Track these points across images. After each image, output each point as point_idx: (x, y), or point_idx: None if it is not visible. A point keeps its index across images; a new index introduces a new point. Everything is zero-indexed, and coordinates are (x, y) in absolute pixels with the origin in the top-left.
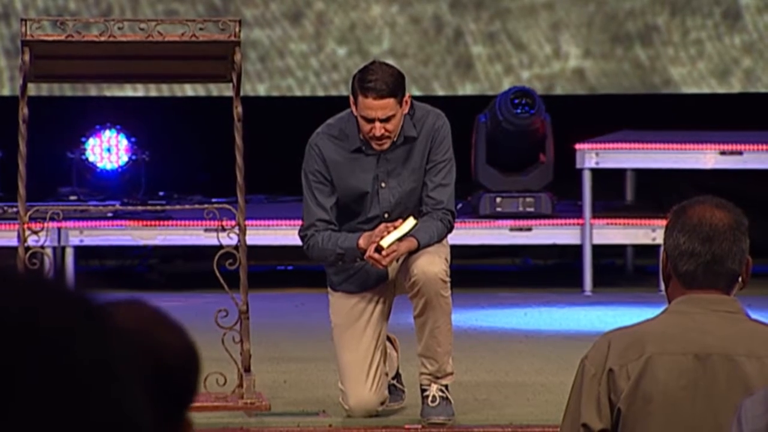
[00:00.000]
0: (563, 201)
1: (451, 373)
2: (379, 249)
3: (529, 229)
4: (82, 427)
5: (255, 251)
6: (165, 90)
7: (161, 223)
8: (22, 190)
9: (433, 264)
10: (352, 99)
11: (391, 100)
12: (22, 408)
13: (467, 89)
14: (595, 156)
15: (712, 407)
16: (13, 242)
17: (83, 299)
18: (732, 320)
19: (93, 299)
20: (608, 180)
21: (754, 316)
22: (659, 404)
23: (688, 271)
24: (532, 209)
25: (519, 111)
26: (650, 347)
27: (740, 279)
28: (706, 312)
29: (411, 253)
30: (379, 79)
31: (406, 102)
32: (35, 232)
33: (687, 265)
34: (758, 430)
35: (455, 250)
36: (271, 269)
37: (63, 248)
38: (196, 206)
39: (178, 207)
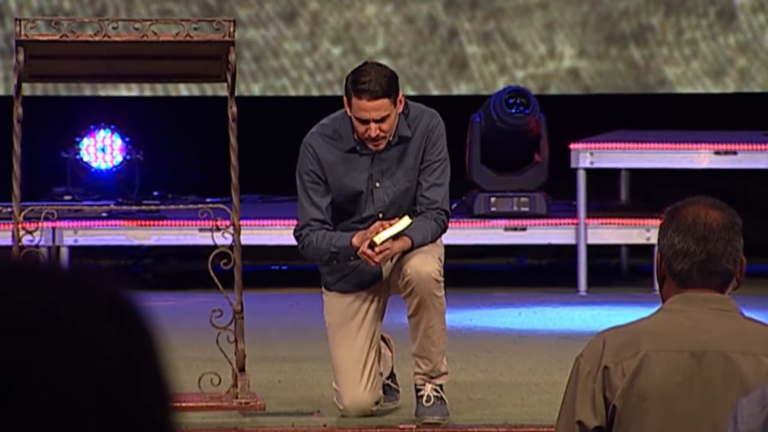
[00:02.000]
0: (558, 201)
1: (446, 373)
2: (372, 245)
3: (524, 229)
4: (106, 424)
5: (249, 251)
6: (159, 90)
7: (156, 222)
8: (16, 190)
9: (426, 264)
10: (345, 100)
11: (385, 101)
12: (45, 406)
13: (462, 89)
14: (589, 156)
15: (708, 404)
16: (8, 242)
17: (109, 295)
18: (727, 318)
19: (117, 294)
20: (603, 180)
21: (753, 316)
22: (654, 401)
23: (683, 271)
24: (526, 209)
25: (513, 111)
26: (646, 345)
27: (735, 279)
28: (701, 310)
29: (405, 252)
30: (372, 80)
31: (400, 101)
32: (30, 232)
33: (682, 265)
34: (754, 430)
35: (450, 249)
36: (265, 269)
37: (57, 248)
38: (191, 206)
39: (172, 207)
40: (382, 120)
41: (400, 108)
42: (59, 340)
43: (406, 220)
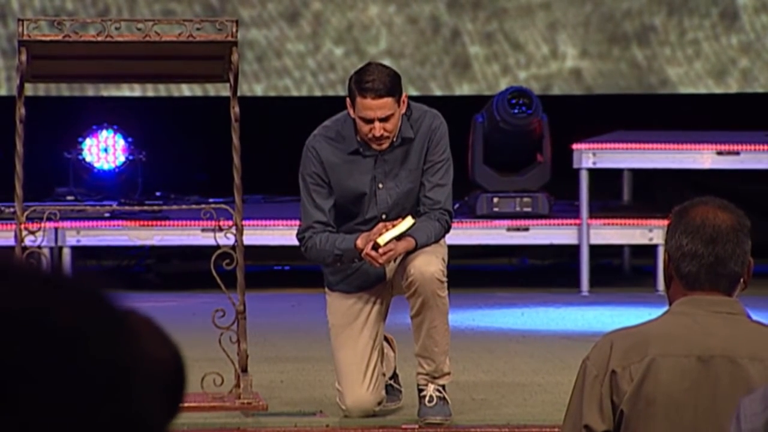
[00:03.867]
0: (560, 201)
1: (449, 373)
2: (376, 246)
3: (527, 229)
4: (94, 427)
5: (252, 251)
6: (162, 90)
7: (158, 223)
8: (19, 190)
9: (430, 264)
10: (349, 101)
11: (389, 100)
12: (35, 409)
13: (464, 89)
14: (592, 156)
15: (715, 409)
16: (10, 242)
17: (97, 298)
18: (734, 322)
19: (107, 297)
20: (605, 180)
21: (754, 317)
22: (662, 406)
23: (691, 273)
24: (529, 209)
25: (516, 111)
26: (653, 349)
27: (742, 280)
28: (708, 313)
29: (408, 253)
30: (376, 79)
31: (404, 101)
32: (32, 233)
33: (689, 267)
34: (756, 429)
35: (452, 250)
36: (268, 269)
37: (60, 248)
38: (193, 206)
39: (175, 207)
40: (386, 119)
41: (404, 108)
42: (45, 342)
43: (409, 221)
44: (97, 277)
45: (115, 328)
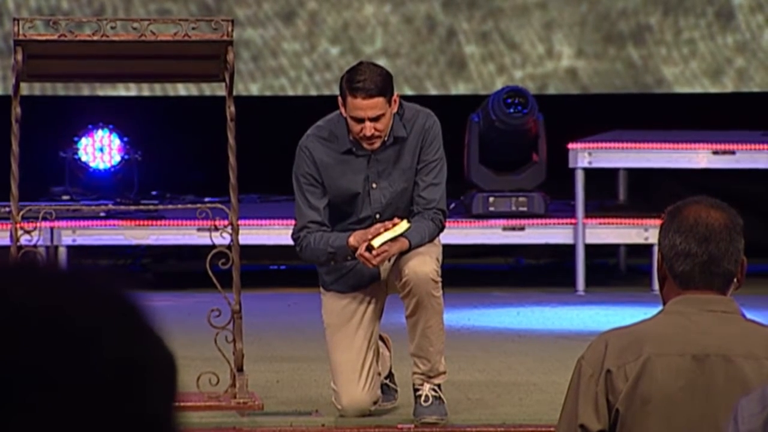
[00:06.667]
0: (556, 200)
1: (444, 373)
2: (369, 248)
3: (522, 229)
4: (107, 425)
5: (248, 251)
6: (158, 89)
7: (154, 222)
8: (14, 190)
9: (424, 264)
10: (340, 100)
11: (380, 99)
12: (51, 407)
13: (460, 89)
14: (587, 156)
15: (711, 408)
16: (6, 242)
17: (112, 295)
18: (729, 320)
19: (123, 295)
20: (601, 179)
21: (749, 316)
22: (657, 405)
23: (685, 272)
24: (524, 209)
25: (512, 110)
26: (648, 348)
27: (736, 279)
28: (702, 312)
29: (402, 252)
30: (367, 79)
31: (395, 101)
32: (28, 232)
33: (683, 266)
34: (754, 430)
35: (448, 249)
36: (263, 269)
37: (56, 248)
38: (189, 206)
39: (170, 207)
40: (377, 119)
41: (395, 108)
42: (60, 340)
43: (404, 225)
44: (112, 275)
45: (131, 326)
